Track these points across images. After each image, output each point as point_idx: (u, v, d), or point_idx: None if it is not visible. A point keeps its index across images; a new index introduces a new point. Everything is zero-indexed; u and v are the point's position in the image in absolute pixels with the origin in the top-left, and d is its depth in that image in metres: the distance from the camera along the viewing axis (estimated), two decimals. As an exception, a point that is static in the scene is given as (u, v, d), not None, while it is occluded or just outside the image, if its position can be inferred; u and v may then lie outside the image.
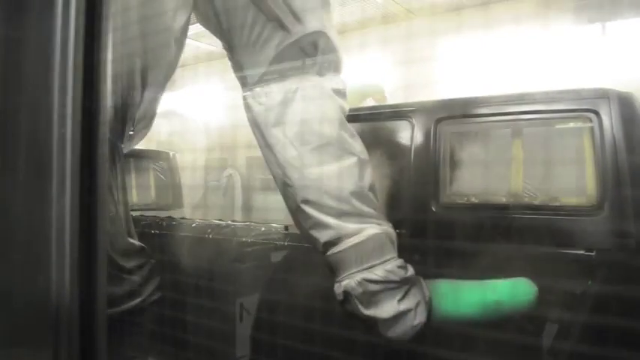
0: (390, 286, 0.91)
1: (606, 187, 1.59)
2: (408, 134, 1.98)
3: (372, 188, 0.98)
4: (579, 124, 1.68)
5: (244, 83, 1.04)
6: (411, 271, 0.95)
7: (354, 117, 2.16)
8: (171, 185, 4.06)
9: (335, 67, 1.03)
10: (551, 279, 1.47)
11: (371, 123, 2.15)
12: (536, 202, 1.72)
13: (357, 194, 0.94)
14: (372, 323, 0.92)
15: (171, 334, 1.97)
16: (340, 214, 0.92)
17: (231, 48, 1.04)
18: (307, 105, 0.97)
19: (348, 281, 0.91)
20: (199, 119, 6.18)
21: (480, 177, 1.91)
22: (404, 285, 0.93)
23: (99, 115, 0.58)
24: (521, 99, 1.83)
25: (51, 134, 0.55)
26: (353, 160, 0.96)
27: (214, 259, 2.26)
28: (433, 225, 1.84)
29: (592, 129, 1.63)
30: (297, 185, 0.95)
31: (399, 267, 0.93)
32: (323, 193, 0.93)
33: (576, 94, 1.72)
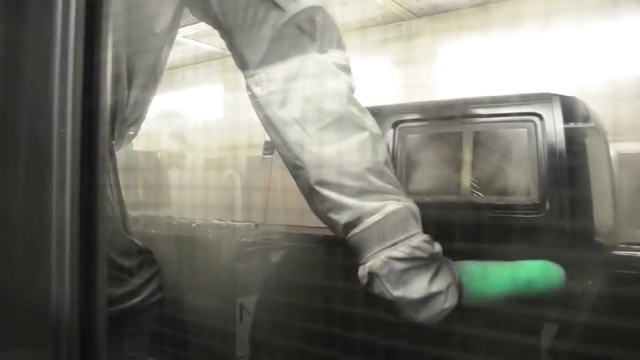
0: (417, 263, 0.86)
1: (547, 186, 1.68)
2: None
3: (387, 163, 0.94)
4: (523, 127, 1.77)
5: (245, 68, 1.01)
6: (438, 247, 0.89)
7: None
8: (159, 184, 4.13)
9: (337, 43, 0.99)
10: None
11: None
12: (482, 201, 1.79)
13: (373, 170, 0.90)
14: (401, 305, 0.87)
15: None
16: (357, 193, 0.89)
17: (228, 34, 1.01)
18: (311, 83, 0.94)
19: (373, 262, 0.87)
20: (199, 119, 6.18)
21: (434, 177, 1.99)
22: (432, 263, 0.87)
23: (99, 115, 0.58)
24: (471, 103, 1.95)
25: (51, 134, 0.55)
26: (365, 134, 0.92)
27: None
28: None
29: (535, 131, 1.73)
30: (309, 166, 0.92)
31: (425, 242, 0.87)
32: (337, 173, 0.89)
33: (522, 98, 1.81)
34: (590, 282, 1.55)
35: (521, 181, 1.79)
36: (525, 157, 1.78)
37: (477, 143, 1.88)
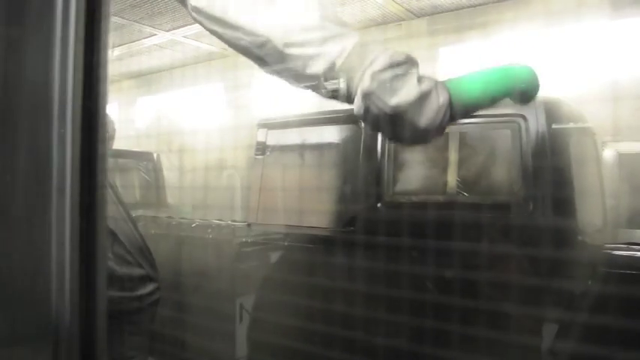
0: (399, 70, 0.93)
1: (530, 186, 1.73)
2: (358, 137, 2.15)
3: (333, 11, 1.02)
4: (507, 128, 1.82)
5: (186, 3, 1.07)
6: (412, 55, 0.96)
7: (303, 121, 2.34)
8: (155, 185, 4.13)
9: None
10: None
11: (323, 127, 2.34)
12: (468, 201, 1.85)
13: (325, 17, 0.97)
14: (401, 116, 0.93)
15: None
16: (323, 41, 0.96)
17: None
18: None
19: (361, 84, 0.93)
20: (199, 119, 6.18)
21: (421, 177, 2.05)
22: (413, 67, 0.94)
23: (99, 115, 0.58)
24: None
25: (51, 134, 0.55)
26: None
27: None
28: (379, 221, 1.99)
29: (520, 133, 1.78)
30: (272, 36, 0.98)
31: (398, 51, 0.96)
32: (298, 30, 0.96)
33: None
34: (572, 279, 1.59)
35: (505, 181, 1.84)
36: (509, 157, 1.83)
37: (462, 144, 1.93)
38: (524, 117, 1.78)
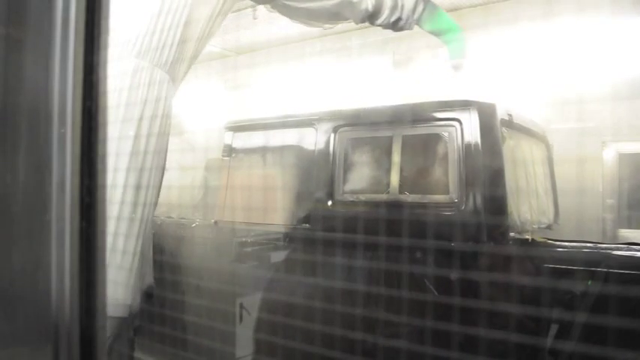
0: None
1: (464, 186, 1.85)
2: (313, 140, 2.27)
3: None
4: (445, 132, 1.95)
5: None
6: None
7: (265, 125, 2.45)
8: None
9: None
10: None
11: (282, 130, 2.46)
12: (408, 200, 1.96)
13: None
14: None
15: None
16: None
17: None
18: None
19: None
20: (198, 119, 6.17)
21: (367, 178, 2.18)
22: None
23: (99, 115, 0.58)
24: (401, 109, 2.16)
25: (51, 134, 0.55)
26: None
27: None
28: (330, 218, 2.12)
29: (455, 135, 1.91)
30: None
31: None
32: None
33: (444, 105, 2.01)
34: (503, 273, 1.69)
35: (441, 181, 1.93)
36: (445, 159, 1.93)
37: (404, 146, 2.03)
38: (459, 121, 1.89)
